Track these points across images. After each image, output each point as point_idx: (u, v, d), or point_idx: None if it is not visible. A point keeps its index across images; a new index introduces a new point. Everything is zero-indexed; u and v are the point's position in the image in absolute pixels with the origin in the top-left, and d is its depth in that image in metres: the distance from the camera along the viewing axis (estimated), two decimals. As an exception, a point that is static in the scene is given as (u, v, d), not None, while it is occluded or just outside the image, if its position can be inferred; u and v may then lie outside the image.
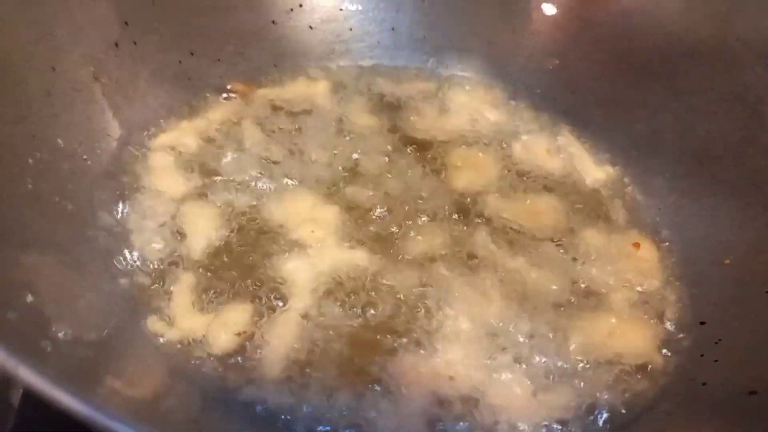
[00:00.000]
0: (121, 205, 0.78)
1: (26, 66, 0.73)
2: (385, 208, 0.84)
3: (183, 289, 0.73)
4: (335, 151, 0.90)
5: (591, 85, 1.00)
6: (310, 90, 0.97)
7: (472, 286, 0.78)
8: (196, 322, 0.71)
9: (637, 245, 0.86)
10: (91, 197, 0.76)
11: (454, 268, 0.79)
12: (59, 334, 0.55)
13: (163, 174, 0.83)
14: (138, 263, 0.74)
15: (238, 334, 0.70)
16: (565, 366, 0.73)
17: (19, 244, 0.63)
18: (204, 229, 0.79)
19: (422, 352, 0.72)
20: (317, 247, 0.79)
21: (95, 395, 0.47)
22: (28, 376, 0.43)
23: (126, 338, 0.67)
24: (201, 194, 0.82)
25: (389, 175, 0.88)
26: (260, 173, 0.85)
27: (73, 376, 0.50)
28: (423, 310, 0.75)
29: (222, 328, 0.70)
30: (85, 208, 0.75)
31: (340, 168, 0.88)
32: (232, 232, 0.79)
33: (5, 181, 0.65)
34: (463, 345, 0.73)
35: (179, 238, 0.78)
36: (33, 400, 0.44)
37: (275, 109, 0.94)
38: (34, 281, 0.60)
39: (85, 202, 0.75)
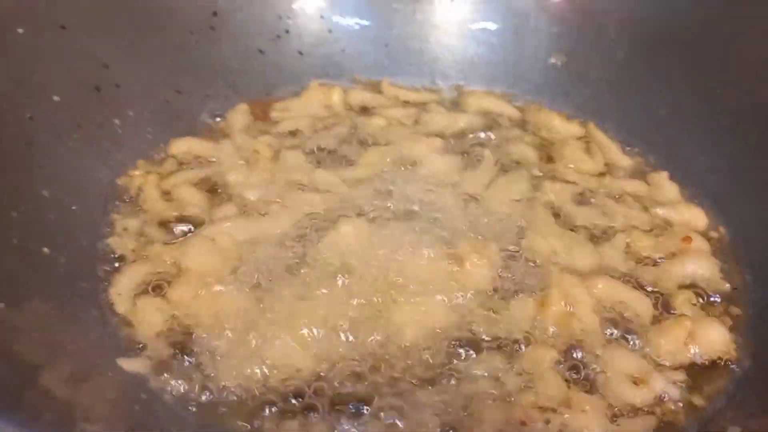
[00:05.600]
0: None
1: (2, 116, 0.69)
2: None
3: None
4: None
5: (602, 74, 0.95)
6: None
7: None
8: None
9: (687, 239, 0.77)
10: (82, 248, 0.70)
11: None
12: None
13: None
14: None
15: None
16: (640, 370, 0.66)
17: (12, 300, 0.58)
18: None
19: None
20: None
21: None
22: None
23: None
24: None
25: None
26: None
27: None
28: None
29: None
30: (77, 259, 0.68)
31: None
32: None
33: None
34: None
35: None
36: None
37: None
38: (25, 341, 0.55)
39: (77, 253, 0.69)
